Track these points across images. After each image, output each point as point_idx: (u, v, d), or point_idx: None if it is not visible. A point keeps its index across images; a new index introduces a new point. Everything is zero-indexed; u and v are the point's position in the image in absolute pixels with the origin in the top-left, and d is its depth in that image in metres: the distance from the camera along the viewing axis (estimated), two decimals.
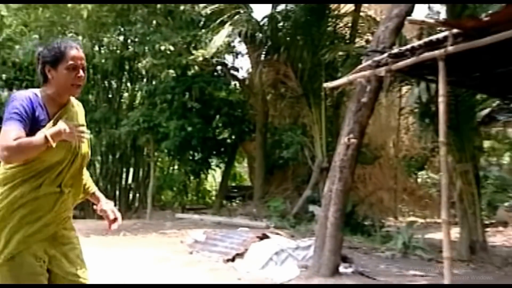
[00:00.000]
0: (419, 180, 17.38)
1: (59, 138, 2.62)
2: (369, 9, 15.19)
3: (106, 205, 3.10)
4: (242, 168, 23.31)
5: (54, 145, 2.60)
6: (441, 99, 5.84)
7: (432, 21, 6.51)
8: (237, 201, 18.27)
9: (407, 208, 16.76)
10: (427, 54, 5.81)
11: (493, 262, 8.67)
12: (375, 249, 9.72)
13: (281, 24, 13.28)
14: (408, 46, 6.27)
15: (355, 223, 11.70)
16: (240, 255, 8.25)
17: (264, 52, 13.68)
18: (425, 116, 10.09)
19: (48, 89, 2.83)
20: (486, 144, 17.15)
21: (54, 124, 2.72)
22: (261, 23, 13.14)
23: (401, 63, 6.23)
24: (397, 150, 16.92)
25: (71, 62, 2.78)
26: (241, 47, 15.61)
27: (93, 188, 3.16)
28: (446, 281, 5.49)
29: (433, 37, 5.82)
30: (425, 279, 7.34)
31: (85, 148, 2.92)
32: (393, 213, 15.69)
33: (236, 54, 16.00)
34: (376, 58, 6.73)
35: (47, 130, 2.63)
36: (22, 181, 2.71)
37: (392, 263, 8.54)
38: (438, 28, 7.04)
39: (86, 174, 3.12)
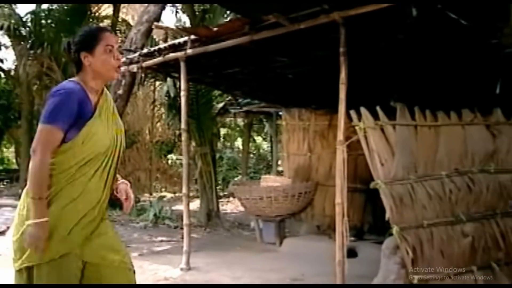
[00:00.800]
0: (169, 161, 17.73)
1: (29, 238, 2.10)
2: (126, 14, 14.91)
3: (121, 184, 2.48)
4: (10, 153, 21.65)
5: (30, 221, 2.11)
6: (182, 94, 5.97)
7: (174, 27, 6.57)
8: (5, 183, 16.90)
9: (160, 185, 16.96)
10: (171, 55, 5.86)
11: (224, 226, 9.22)
12: (131, 221, 9.57)
13: (44, 21, 12.22)
14: (156, 47, 6.27)
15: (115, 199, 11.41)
16: (1, 233, 7.52)
17: (28, 46, 12.47)
18: (172, 108, 10.20)
19: (85, 77, 2.29)
20: (222, 131, 18.17)
21: (98, 114, 2.25)
22: (25, 19, 11.97)
23: (150, 62, 6.22)
24: (152, 136, 16.90)
25: (107, 43, 2.24)
26: (6, 40, 14.14)
27: None
28: (185, 243, 5.62)
29: (176, 41, 5.89)
30: (170, 243, 7.48)
31: (124, 139, 2.39)
32: (148, 189, 15.73)
33: (0, 46, 14.41)
34: (130, 56, 6.62)
35: (35, 221, 2.09)
36: (72, 176, 2.19)
37: (145, 232, 8.52)
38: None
39: None
